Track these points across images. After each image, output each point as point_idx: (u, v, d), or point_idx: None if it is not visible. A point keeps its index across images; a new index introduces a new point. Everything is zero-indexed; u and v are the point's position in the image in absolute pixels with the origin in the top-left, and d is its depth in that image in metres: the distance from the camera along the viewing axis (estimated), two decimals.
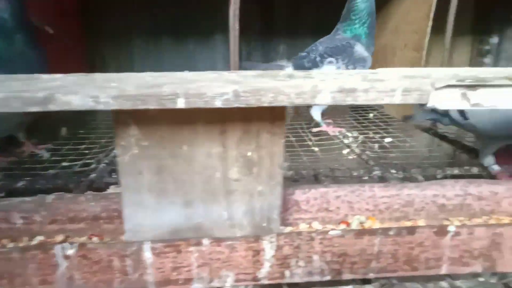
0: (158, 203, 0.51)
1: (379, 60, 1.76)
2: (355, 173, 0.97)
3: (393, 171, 0.98)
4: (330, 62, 1.25)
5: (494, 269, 0.53)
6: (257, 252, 0.51)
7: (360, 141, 1.22)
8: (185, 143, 0.49)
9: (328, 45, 1.24)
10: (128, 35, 1.94)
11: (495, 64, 2.01)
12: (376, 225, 0.65)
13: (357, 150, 1.15)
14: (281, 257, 0.51)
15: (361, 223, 0.66)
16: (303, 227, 0.65)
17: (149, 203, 0.51)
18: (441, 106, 0.44)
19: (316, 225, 0.65)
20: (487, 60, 2.06)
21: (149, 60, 2.01)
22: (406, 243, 0.51)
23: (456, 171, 0.99)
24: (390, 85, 0.44)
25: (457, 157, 1.13)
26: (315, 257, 0.51)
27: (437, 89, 0.44)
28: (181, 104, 0.40)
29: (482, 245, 0.52)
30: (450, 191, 0.66)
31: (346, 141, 1.24)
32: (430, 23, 1.36)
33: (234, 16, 1.20)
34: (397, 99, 0.44)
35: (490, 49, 2.03)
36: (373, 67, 1.86)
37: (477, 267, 0.53)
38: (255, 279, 0.53)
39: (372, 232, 0.51)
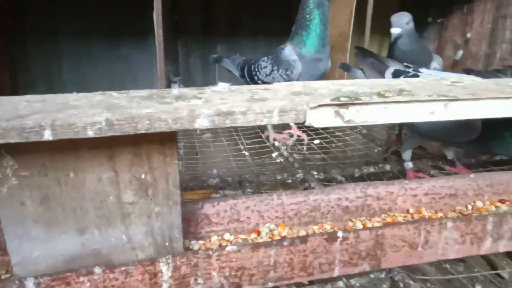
0: (48, 233, 0.49)
1: None
2: (279, 177, 1.00)
3: (315, 172, 1.03)
4: (263, 61, 1.28)
5: (380, 266, 0.58)
6: (154, 275, 0.51)
7: (290, 144, 1.27)
8: (71, 170, 0.48)
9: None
10: (55, 35, 1.81)
11: None
12: (286, 231, 0.69)
13: (285, 153, 1.19)
14: (179, 277, 0.51)
15: (271, 230, 0.68)
16: (214, 239, 0.66)
17: (37, 234, 0.49)
18: (317, 124, 0.47)
19: (228, 236, 0.67)
20: None
21: (80, 62, 1.90)
22: (300, 251, 0.54)
23: (371, 169, 1.06)
24: (267, 107, 0.46)
25: (376, 156, 1.22)
26: (214, 274, 0.52)
27: (311, 108, 0.47)
28: (48, 136, 0.39)
29: (367, 246, 0.56)
30: (352, 193, 0.71)
31: (276, 143, 1.28)
32: (351, 27, 1.43)
33: (157, 23, 1.17)
34: (275, 119, 0.46)
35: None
36: None
37: (365, 266, 0.57)
38: None
39: (267, 244, 0.53)
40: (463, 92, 0.55)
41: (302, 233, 0.68)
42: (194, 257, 0.51)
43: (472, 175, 0.76)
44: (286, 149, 1.22)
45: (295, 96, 0.51)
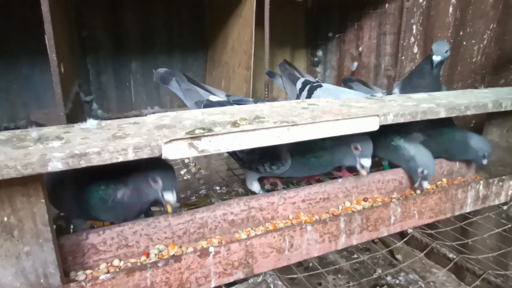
0: None
1: (224, 76, 1.91)
2: (182, 195, 1.05)
3: (218, 188, 1.09)
4: None
5: (253, 272, 0.66)
6: None
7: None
8: None
9: None
10: None
11: (324, 71, 2.41)
12: (175, 250, 0.73)
13: (193, 170, 1.24)
14: None
15: (161, 251, 0.73)
16: (103, 267, 0.68)
17: None
18: (172, 156, 0.53)
19: (117, 262, 0.69)
20: (318, 68, 2.44)
21: None
22: (175, 270, 0.59)
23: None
24: (122, 145, 0.50)
25: None
26: None
27: (166, 143, 0.52)
28: None
29: (239, 257, 0.64)
30: (236, 208, 0.79)
31: (186, 160, 1.32)
32: (253, 46, 1.54)
33: (50, 47, 1.13)
34: (130, 156, 0.50)
35: (319, 60, 2.41)
36: (219, 82, 2.01)
37: (240, 274, 0.65)
38: None
39: (142, 268, 0.57)
40: (307, 115, 0.66)
41: (191, 250, 0.73)
42: None
43: (340, 180, 0.89)
44: (194, 166, 1.27)
45: (157, 131, 0.57)
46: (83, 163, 0.48)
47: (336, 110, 0.69)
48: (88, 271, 0.67)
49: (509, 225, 0.92)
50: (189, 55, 2.22)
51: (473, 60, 1.46)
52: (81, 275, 0.65)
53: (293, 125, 0.60)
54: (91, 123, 0.59)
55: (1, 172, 0.44)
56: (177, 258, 0.59)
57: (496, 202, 0.94)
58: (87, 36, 1.96)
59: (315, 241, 0.70)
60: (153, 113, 2.22)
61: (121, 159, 0.50)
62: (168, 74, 1.08)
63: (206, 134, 0.55)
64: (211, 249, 0.61)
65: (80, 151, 0.47)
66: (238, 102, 0.95)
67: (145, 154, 0.51)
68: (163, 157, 0.53)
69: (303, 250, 0.70)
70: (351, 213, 0.73)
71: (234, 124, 0.60)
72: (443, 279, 1.46)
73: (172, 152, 0.53)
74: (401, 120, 0.71)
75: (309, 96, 1.20)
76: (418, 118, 0.73)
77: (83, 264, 0.68)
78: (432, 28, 1.60)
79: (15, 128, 1.28)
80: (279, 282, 0.66)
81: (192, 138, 0.54)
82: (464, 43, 1.48)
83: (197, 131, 0.56)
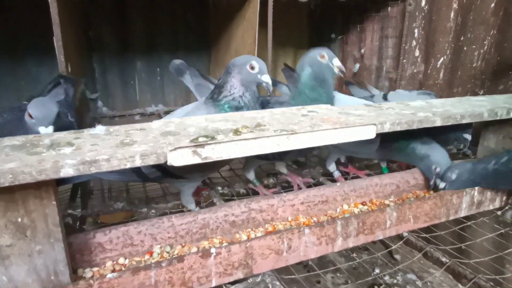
0: None
1: None
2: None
3: (220, 188, 1.12)
4: None
5: (252, 272, 0.69)
6: None
7: None
8: None
9: None
10: None
11: None
12: (178, 248, 0.76)
13: None
14: None
15: (165, 250, 0.76)
16: (109, 264, 0.72)
17: None
18: (177, 163, 0.56)
19: (122, 260, 0.73)
20: None
21: None
22: (178, 269, 0.63)
23: (271, 180, 1.19)
24: (129, 152, 0.53)
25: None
26: None
27: (171, 151, 0.55)
28: None
29: (239, 258, 0.67)
30: (237, 209, 0.82)
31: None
32: (256, 48, 1.57)
33: (58, 49, 1.16)
34: (138, 162, 0.53)
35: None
36: None
37: (239, 274, 0.68)
38: None
39: (147, 267, 0.60)
40: (307, 123, 0.68)
41: (194, 249, 0.77)
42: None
43: (338, 183, 0.92)
44: None
45: (162, 138, 0.60)
46: (93, 170, 0.51)
47: (334, 118, 0.72)
48: (95, 269, 0.70)
49: (503, 230, 0.94)
50: (193, 55, 2.25)
51: (473, 66, 1.48)
52: (88, 273, 0.69)
53: (292, 133, 0.63)
54: (99, 129, 0.62)
55: (18, 178, 0.47)
56: (180, 258, 0.62)
57: (491, 208, 0.96)
58: (93, 37, 1.99)
59: (313, 244, 0.73)
60: (157, 111, 2.21)
61: (128, 165, 0.53)
62: (183, 66, 1.15)
63: (209, 142, 0.58)
64: (213, 250, 0.64)
65: (90, 158, 0.50)
66: None
67: (151, 161, 0.54)
68: (168, 163, 0.56)
69: (300, 252, 0.73)
70: (348, 217, 0.76)
71: (236, 132, 0.62)
72: (440, 280, 1.49)
73: (176, 159, 0.56)
74: (398, 128, 0.74)
75: None
76: (415, 127, 0.76)
77: (90, 262, 0.71)
78: (434, 33, 1.61)
79: None
80: (277, 282, 0.69)
81: (196, 146, 0.57)
82: (465, 48, 1.50)
83: (200, 139, 0.58)
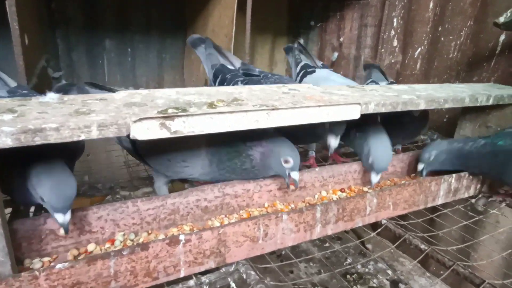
0: None
1: None
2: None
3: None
4: None
5: (225, 261, 0.64)
6: None
7: None
8: None
9: None
10: None
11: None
12: (144, 235, 0.69)
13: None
14: None
15: (128, 238, 0.68)
16: (63, 254, 0.63)
17: None
18: (142, 137, 0.49)
19: (76, 252, 0.65)
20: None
21: None
22: (142, 258, 0.56)
23: None
24: (85, 121, 0.45)
25: None
26: None
27: (135, 122, 0.48)
28: None
29: (211, 245, 0.61)
30: (210, 194, 0.76)
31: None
32: (234, 29, 1.49)
33: (11, 15, 1.03)
34: (95, 134, 0.46)
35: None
36: (197, 66, 1.93)
37: (211, 264, 0.62)
38: None
39: (105, 256, 0.53)
40: (288, 100, 0.63)
41: (161, 237, 0.70)
42: (16, 280, 0.48)
43: (317, 169, 0.87)
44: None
45: (126, 108, 0.52)
46: (38, 140, 0.43)
47: (317, 97, 0.67)
48: (46, 259, 0.62)
49: (476, 218, 0.94)
50: (167, 36, 2.13)
51: (450, 56, 1.49)
52: (37, 263, 0.60)
53: (273, 109, 0.57)
54: (51, 96, 0.53)
55: None
56: (144, 246, 0.55)
57: (466, 195, 0.96)
58: (56, 9, 1.83)
59: (290, 231, 0.69)
60: None
61: (83, 137, 0.45)
62: (199, 40, 1.33)
63: (180, 114, 0.51)
64: (181, 237, 0.58)
65: (35, 126, 0.42)
66: (246, 70, 1.08)
67: (111, 132, 0.47)
68: (131, 137, 0.48)
69: (277, 240, 0.68)
70: (328, 202, 0.72)
71: (211, 105, 0.56)
72: (409, 268, 1.51)
73: (141, 132, 0.49)
74: (382, 110, 0.70)
75: (300, 81, 1.18)
76: (399, 109, 0.72)
77: (40, 251, 0.62)
78: (412, 22, 1.61)
79: None
80: (252, 272, 0.64)
81: (164, 117, 0.50)
82: (442, 39, 1.50)
83: (170, 111, 0.51)
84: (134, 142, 0.79)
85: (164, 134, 0.50)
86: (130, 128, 0.48)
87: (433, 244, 0.79)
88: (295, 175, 0.74)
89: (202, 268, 0.61)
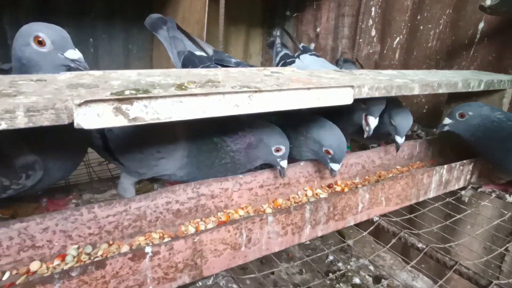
0: None
1: None
2: (117, 181, 0.88)
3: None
4: None
5: (202, 275, 0.53)
6: None
7: None
8: None
9: None
10: None
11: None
12: (104, 247, 0.58)
13: None
14: None
15: (88, 252, 0.57)
16: None
17: None
18: (89, 125, 0.38)
19: (21, 269, 0.52)
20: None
21: None
22: (97, 279, 0.45)
23: None
24: (7, 105, 0.33)
25: None
26: None
27: (80, 105, 0.37)
28: None
29: (185, 257, 0.51)
30: (182, 195, 0.65)
31: None
32: (206, 16, 1.38)
33: None
34: (21, 122, 0.34)
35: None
36: (168, 56, 1.80)
37: (185, 278, 0.52)
38: None
39: (46, 280, 0.41)
40: (272, 82, 0.53)
41: (125, 248, 0.59)
42: None
43: (302, 163, 0.79)
44: None
45: (69, 90, 0.41)
46: None
47: (305, 79, 0.58)
48: None
49: (469, 210, 0.90)
50: (133, 24, 1.97)
51: (429, 45, 1.45)
52: None
53: (255, 91, 0.48)
54: None
55: None
56: (99, 263, 0.44)
57: (456, 187, 0.92)
58: None
59: (277, 234, 0.60)
60: None
61: (4, 125, 0.33)
62: (160, 21, 1.03)
63: (140, 96, 0.40)
64: (148, 250, 0.47)
65: None
66: (220, 61, 0.91)
67: (45, 119, 0.35)
68: (75, 125, 0.37)
69: (262, 246, 0.59)
70: (317, 200, 0.63)
71: (180, 87, 0.45)
72: (390, 262, 1.47)
73: (89, 120, 0.37)
74: (376, 94, 0.62)
75: None
76: (393, 94, 0.65)
77: None
78: (391, 11, 1.56)
79: None
80: (235, 286, 0.54)
81: (120, 100, 0.39)
82: (421, 27, 1.47)
83: (127, 92, 0.40)
84: (106, 138, 0.69)
85: (120, 121, 0.39)
86: (73, 113, 0.37)
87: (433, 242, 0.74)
88: (284, 163, 0.71)
89: (174, 285, 0.51)
